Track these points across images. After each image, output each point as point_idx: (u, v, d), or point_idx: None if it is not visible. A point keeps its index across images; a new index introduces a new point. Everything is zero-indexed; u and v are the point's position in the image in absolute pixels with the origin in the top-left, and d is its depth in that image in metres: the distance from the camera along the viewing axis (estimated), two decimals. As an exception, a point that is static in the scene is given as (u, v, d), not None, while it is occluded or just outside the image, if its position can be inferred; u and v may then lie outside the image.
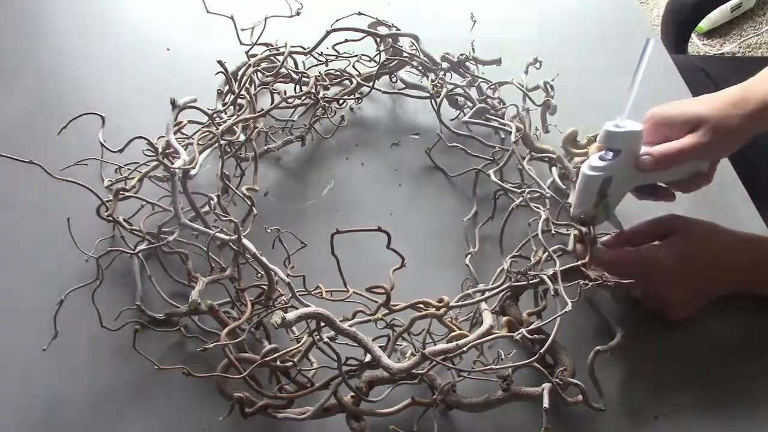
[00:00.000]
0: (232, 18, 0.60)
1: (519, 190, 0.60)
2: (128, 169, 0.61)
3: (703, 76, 0.92)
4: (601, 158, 0.54)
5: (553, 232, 0.58)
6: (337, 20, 0.70)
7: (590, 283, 0.53)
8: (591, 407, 0.51)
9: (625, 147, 0.53)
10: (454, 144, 0.68)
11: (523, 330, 0.49)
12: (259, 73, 0.69)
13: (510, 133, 0.63)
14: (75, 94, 0.76)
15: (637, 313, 0.57)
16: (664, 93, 0.74)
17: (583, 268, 0.54)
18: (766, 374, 0.55)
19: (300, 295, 0.52)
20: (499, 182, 0.61)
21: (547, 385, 0.50)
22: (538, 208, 0.57)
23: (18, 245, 0.63)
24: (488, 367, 0.48)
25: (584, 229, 0.57)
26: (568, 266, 0.54)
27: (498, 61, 0.71)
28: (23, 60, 0.79)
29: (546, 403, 0.48)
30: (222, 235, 0.52)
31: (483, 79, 0.71)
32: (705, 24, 1.86)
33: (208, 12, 0.60)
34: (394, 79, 0.75)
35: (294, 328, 0.53)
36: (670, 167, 0.54)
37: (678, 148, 0.53)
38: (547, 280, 0.51)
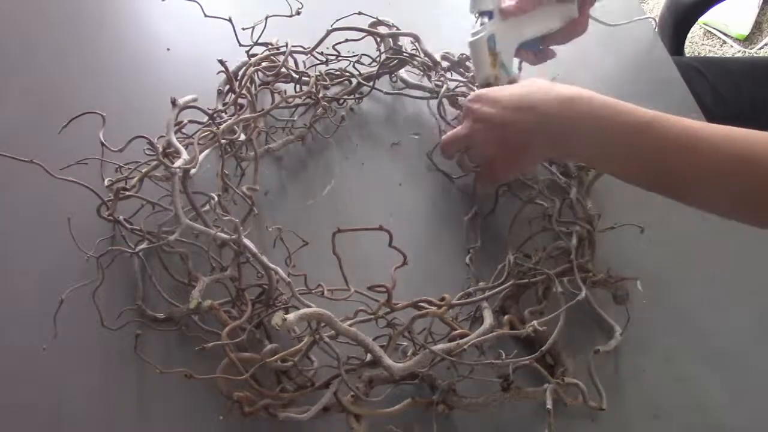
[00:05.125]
0: (230, 20, 0.60)
1: (528, 184, 0.61)
2: (129, 168, 0.61)
3: (701, 76, 0.93)
4: (480, 23, 0.62)
5: (556, 229, 0.58)
6: (337, 20, 0.70)
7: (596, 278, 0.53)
8: (591, 407, 0.51)
9: (494, 6, 0.61)
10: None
11: (534, 323, 0.50)
12: (259, 72, 0.69)
13: None
14: (75, 94, 0.75)
15: (636, 313, 0.57)
16: (664, 93, 0.74)
17: (586, 266, 0.55)
18: (767, 374, 0.55)
19: (301, 294, 0.52)
20: None
21: (549, 386, 0.50)
22: (551, 200, 0.57)
23: (18, 244, 0.63)
24: (489, 361, 0.48)
25: None
26: (565, 266, 0.54)
27: (498, 61, 0.71)
28: (23, 60, 0.79)
29: (549, 404, 0.48)
30: (222, 235, 0.52)
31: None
32: (742, 29, 1.85)
33: (206, 16, 0.60)
34: (394, 79, 0.75)
35: (295, 328, 0.53)
36: (531, 6, 0.60)
37: None
38: (553, 277, 0.51)
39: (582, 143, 0.52)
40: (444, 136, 0.63)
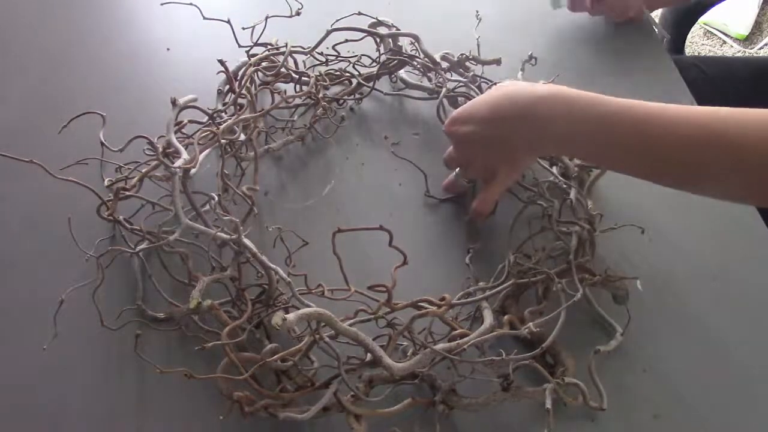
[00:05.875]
0: (228, 22, 0.60)
1: (529, 186, 0.61)
2: (129, 168, 0.61)
3: (702, 76, 0.93)
4: None
5: (555, 229, 0.58)
6: (337, 20, 0.70)
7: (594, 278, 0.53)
8: (591, 407, 0.51)
9: None
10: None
11: (530, 324, 0.50)
12: (259, 72, 0.69)
13: None
14: (75, 94, 0.75)
15: (636, 313, 0.57)
16: (664, 93, 0.74)
17: (586, 265, 0.55)
18: (767, 374, 0.55)
19: (301, 294, 0.52)
20: None
21: (549, 386, 0.50)
22: (551, 201, 0.57)
23: (18, 244, 0.63)
24: (489, 359, 0.48)
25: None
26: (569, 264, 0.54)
27: (498, 61, 0.71)
28: (23, 60, 0.79)
29: (549, 404, 0.48)
30: (222, 235, 0.52)
31: (484, 79, 0.71)
32: (742, 29, 1.84)
33: (204, 18, 0.60)
34: (394, 79, 0.75)
35: (295, 328, 0.53)
36: None
37: None
38: (553, 276, 0.51)
39: (558, 136, 0.53)
40: (445, 159, 0.65)
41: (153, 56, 0.79)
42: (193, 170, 0.56)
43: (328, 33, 0.69)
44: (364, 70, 0.74)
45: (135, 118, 0.69)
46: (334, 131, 0.72)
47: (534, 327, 0.51)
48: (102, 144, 0.56)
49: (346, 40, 0.71)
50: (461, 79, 0.71)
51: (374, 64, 0.73)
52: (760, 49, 1.83)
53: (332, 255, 0.45)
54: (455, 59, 0.72)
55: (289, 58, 0.69)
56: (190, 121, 0.63)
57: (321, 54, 0.71)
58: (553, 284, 0.54)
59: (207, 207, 0.56)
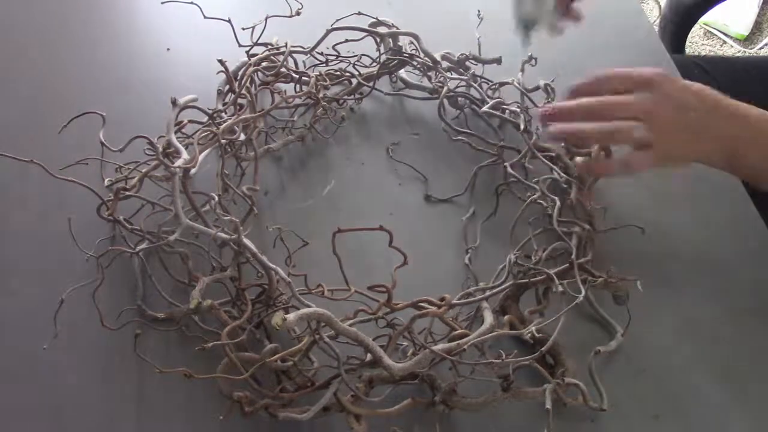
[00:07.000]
0: (229, 21, 0.60)
1: (530, 183, 0.61)
2: (129, 168, 0.61)
3: (702, 75, 0.93)
4: None
5: (557, 228, 0.58)
6: (337, 20, 0.70)
7: (597, 280, 0.53)
8: (591, 407, 0.51)
9: None
10: (459, 138, 0.68)
11: (531, 327, 0.50)
12: (259, 72, 0.69)
13: (519, 126, 0.64)
14: (75, 94, 0.75)
15: (636, 313, 0.57)
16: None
17: (587, 266, 0.55)
18: (766, 374, 0.55)
19: (301, 294, 0.52)
20: (515, 174, 0.63)
21: (549, 386, 0.50)
22: (553, 200, 0.57)
23: (18, 245, 0.63)
24: (489, 360, 0.48)
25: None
26: (570, 263, 0.54)
27: (498, 60, 0.71)
28: (24, 60, 0.79)
29: (548, 404, 0.48)
30: (222, 235, 0.52)
31: (484, 79, 0.71)
32: (742, 29, 1.84)
33: (205, 17, 0.60)
34: (394, 79, 0.75)
35: (295, 328, 0.53)
36: None
37: None
38: (554, 277, 0.51)
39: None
40: (598, 99, 0.57)
41: (153, 56, 0.79)
42: (193, 170, 0.56)
43: (328, 33, 0.69)
44: (364, 70, 0.74)
45: (135, 118, 0.69)
46: (334, 131, 0.72)
47: (536, 332, 0.51)
48: (102, 144, 0.56)
49: (346, 40, 0.71)
50: (462, 77, 0.71)
51: (374, 63, 0.73)
52: (760, 49, 1.83)
53: (332, 255, 0.45)
54: (455, 59, 0.72)
55: (289, 58, 0.69)
56: (190, 121, 0.63)
57: (321, 54, 0.71)
58: (553, 285, 0.54)
59: (207, 207, 0.56)
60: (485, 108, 0.68)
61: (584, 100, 0.56)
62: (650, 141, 0.54)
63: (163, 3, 0.65)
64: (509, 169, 0.63)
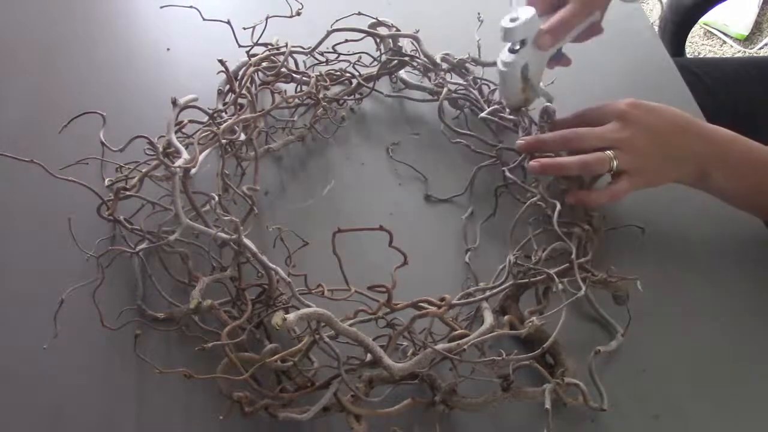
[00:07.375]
0: (228, 22, 0.60)
1: (530, 187, 0.61)
2: (129, 168, 0.61)
3: (702, 77, 0.93)
4: (511, 51, 0.59)
5: (557, 229, 0.58)
6: (337, 20, 0.70)
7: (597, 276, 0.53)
8: (591, 407, 0.51)
9: (527, 35, 0.58)
10: (458, 140, 0.69)
11: (534, 318, 0.50)
12: (259, 72, 0.69)
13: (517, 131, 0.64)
14: (75, 94, 0.75)
15: (636, 313, 0.57)
16: (664, 93, 0.74)
17: (586, 266, 0.55)
18: (766, 374, 0.55)
19: (301, 294, 0.52)
20: (513, 178, 0.63)
21: (549, 386, 0.50)
22: (553, 203, 0.57)
23: (18, 244, 0.63)
24: (490, 359, 0.48)
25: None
26: (570, 264, 0.54)
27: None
28: (24, 60, 0.79)
29: (548, 404, 0.48)
30: (223, 235, 0.52)
31: (484, 80, 0.71)
32: (742, 29, 1.84)
33: (204, 19, 0.60)
34: (394, 80, 0.75)
35: (295, 328, 0.53)
36: (566, 35, 0.60)
37: (567, 16, 0.59)
38: (554, 276, 0.51)
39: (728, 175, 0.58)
40: (572, 131, 0.60)
41: (153, 56, 0.79)
42: (193, 170, 0.56)
43: (329, 33, 0.69)
44: (364, 70, 0.74)
45: (135, 118, 0.69)
46: (334, 131, 0.72)
47: (537, 321, 0.51)
48: (102, 144, 0.56)
49: (346, 40, 0.71)
50: (461, 82, 0.71)
51: (374, 63, 0.73)
52: (760, 49, 1.83)
53: (332, 255, 0.45)
54: (455, 60, 0.72)
55: (290, 58, 0.69)
56: (191, 121, 0.63)
57: (321, 54, 0.72)
58: (553, 284, 0.54)
59: (207, 207, 0.56)
60: (483, 114, 0.68)
61: (560, 132, 0.60)
62: (627, 168, 0.58)
63: (162, 7, 0.66)
64: (507, 173, 0.63)
